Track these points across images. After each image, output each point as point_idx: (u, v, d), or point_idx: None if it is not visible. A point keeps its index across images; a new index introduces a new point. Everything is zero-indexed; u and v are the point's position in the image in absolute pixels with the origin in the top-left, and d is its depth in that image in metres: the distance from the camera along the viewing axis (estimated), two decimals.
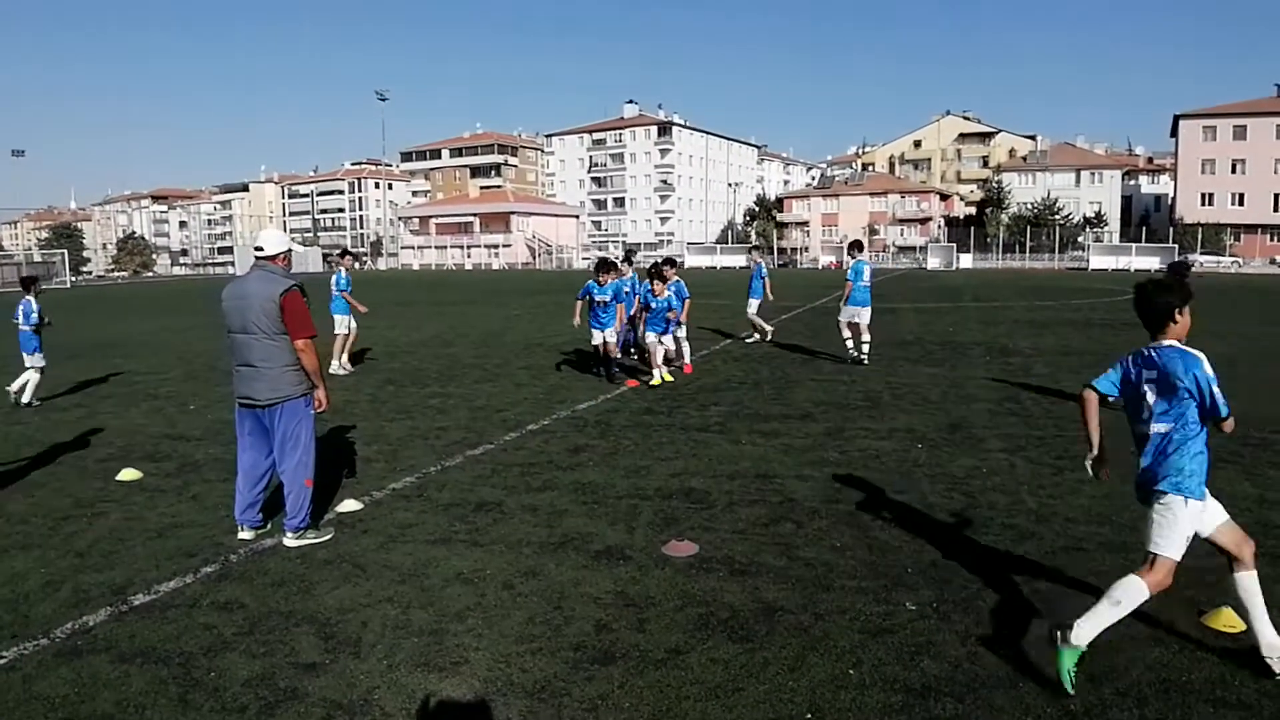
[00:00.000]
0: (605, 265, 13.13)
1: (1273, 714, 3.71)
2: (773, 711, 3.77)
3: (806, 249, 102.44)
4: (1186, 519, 3.98)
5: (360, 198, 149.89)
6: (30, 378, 11.57)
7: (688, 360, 13.91)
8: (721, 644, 4.38)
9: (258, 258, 5.93)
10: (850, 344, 14.32)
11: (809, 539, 5.91)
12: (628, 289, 13.82)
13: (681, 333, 13.71)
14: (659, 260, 13.69)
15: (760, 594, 4.99)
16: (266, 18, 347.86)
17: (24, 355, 11.68)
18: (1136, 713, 3.71)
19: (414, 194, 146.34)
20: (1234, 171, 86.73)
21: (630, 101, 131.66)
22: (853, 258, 14.86)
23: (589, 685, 4.00)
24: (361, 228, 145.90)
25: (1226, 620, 4.46)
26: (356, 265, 15.81)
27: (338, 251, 18.51)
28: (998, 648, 4.30)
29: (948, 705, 3.79)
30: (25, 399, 11.49)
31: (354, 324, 14.60)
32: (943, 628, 4.53)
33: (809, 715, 3.74)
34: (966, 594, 4.96)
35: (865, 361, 13.91)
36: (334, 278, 14.79)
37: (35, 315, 11.78)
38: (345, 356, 14.26)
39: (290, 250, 6.09)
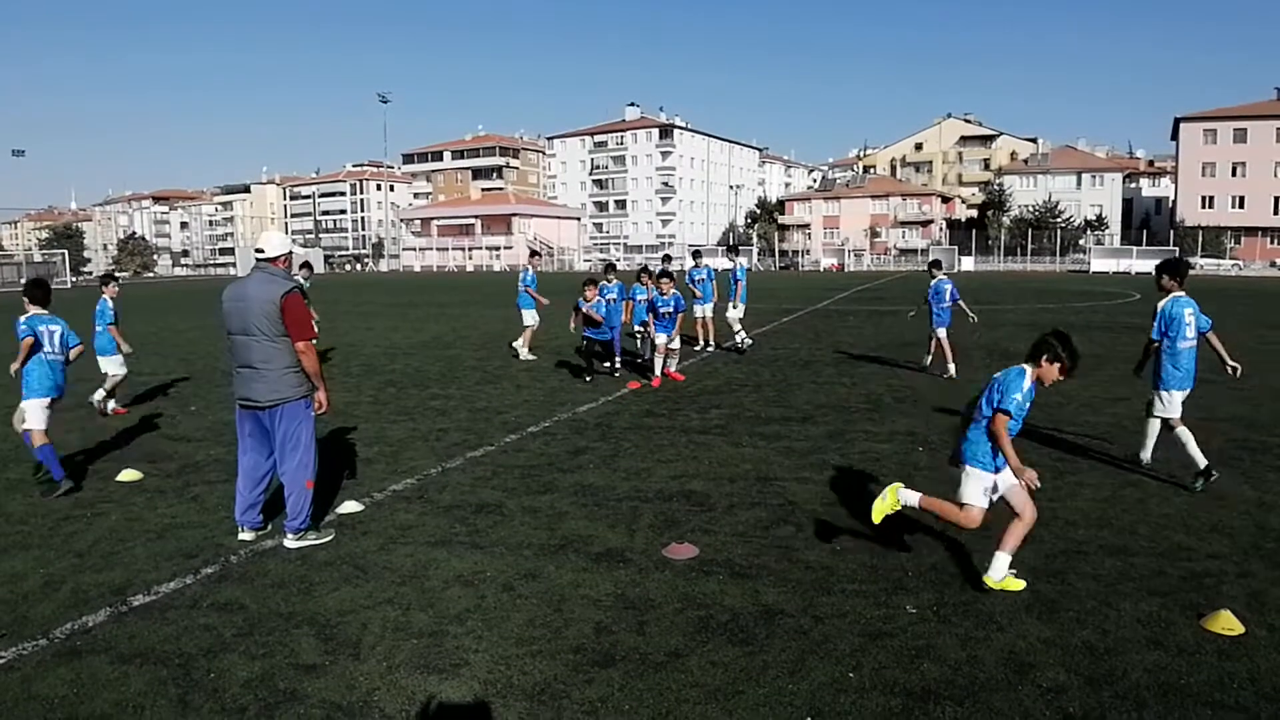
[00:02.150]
0: (589, 282, 13.52)
1: (1271, 717, 3.70)
2: (772, 715, 3.77)
3: (808, 251, 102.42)
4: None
5: (362, 199, 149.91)
6: (111, 382, 10.99)
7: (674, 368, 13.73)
8: (721, 647, 4.38)
9: (258, 259, 5.93)
10: (930, 359, 14.11)
11: (809, 542, 5.91)
12: (613, 296, 13.93)
13: (675, 343, 13.59)
14: (651, 267, 14.34)
15: (760, 597, 4.99)
16: (269, 19, 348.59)
17: (100, 360, 11.01)
18: (1135, 716, 3.71)
19: (415, 196, 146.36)
20: (1234, 174, 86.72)
21: (632, 104, 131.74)
22: (933, 276, 14.14)
23: (589, 687, 4.00)
24: (363, 229, 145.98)
25: (1225, 623, 4.45)
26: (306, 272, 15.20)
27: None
28: (997, 651, 4.30)
29: (948, 709, 3.79)
30: (110, 405, 10.89)
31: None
32: (943, 631, 4.53)
33: (809, 718, 3.74)
34: (966, 597, 4.95)
35: (955, 377, 13.01)
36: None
37: (112, 314, 11.17)
38: None
39: (291, 252, 6.09)
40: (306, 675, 4.12)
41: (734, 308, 16.94)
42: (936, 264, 14.40)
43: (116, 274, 13.43)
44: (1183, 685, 3.95)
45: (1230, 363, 7.57)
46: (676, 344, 13.25)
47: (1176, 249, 69.66)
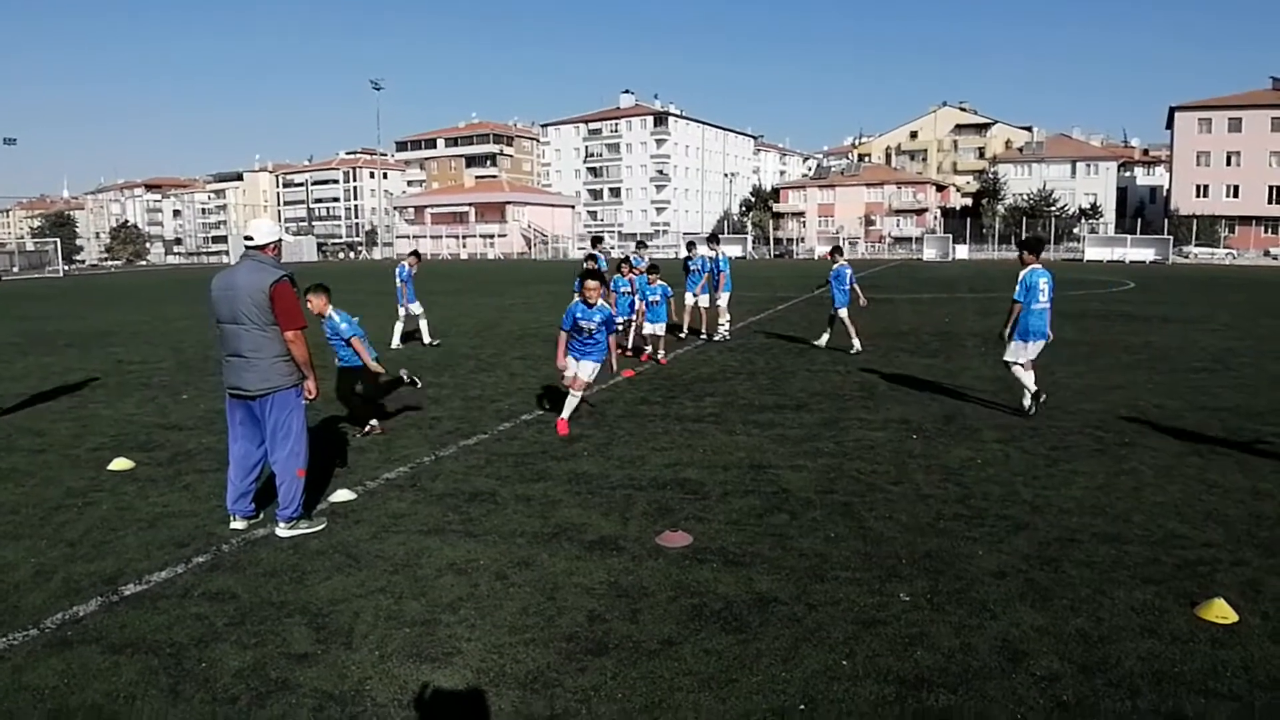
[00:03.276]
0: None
1: (1264, 705, 3.71)
2: (766, 702, 3.77)
3: (803, 239, 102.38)
4: None
5: (355, 187, 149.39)
6: (420, 324, 15.80)
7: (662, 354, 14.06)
8: (715, 635, 4.37)
9: (248, 247, 5.88)
10: (829, 336, 14.81)
11: (803, 529, 5.91)
12: (627, 289, 14.53)
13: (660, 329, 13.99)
14: (633, 258, 14.86)
15: (754, 585, 4.99)
16: (261, 5, 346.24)
17: (406, 305, 15.57)
18: (1129, 704, 3.71)
19: (409, 183, 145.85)
20: (1229, 164, 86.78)
21: (626, 91, 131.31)
22: (834, 261, 14.88)
23: (582, 676, 3.99)
24: (356, 217, 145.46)
25: (1219, 612, 4.46)
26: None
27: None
28: (991, 639, 4.29)
29: (941, 696, 3.79)
30: (428, 340, 15.68)
31: None
32: (936, 619, 4.52)
33: (802, 706, 3.74)
34: (960, 585, 4.95)
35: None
36: None
37: (407, 272, 15.59)
38: None
39: (281, 240, 6.04)
40: (298, 664, 4.10)
41: (719, 298, 16.92)
42: (838, 250, 15.73)
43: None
44: (1176, 673, 3.95)
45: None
46: (661, 330, 13.77)
47: (1171, 238, 69.78)
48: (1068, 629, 4.39)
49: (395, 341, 15.58)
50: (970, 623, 4.48)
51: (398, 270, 15.79)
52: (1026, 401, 9.40)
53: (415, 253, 17.20)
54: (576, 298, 8.88)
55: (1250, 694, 3.79)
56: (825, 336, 15.37)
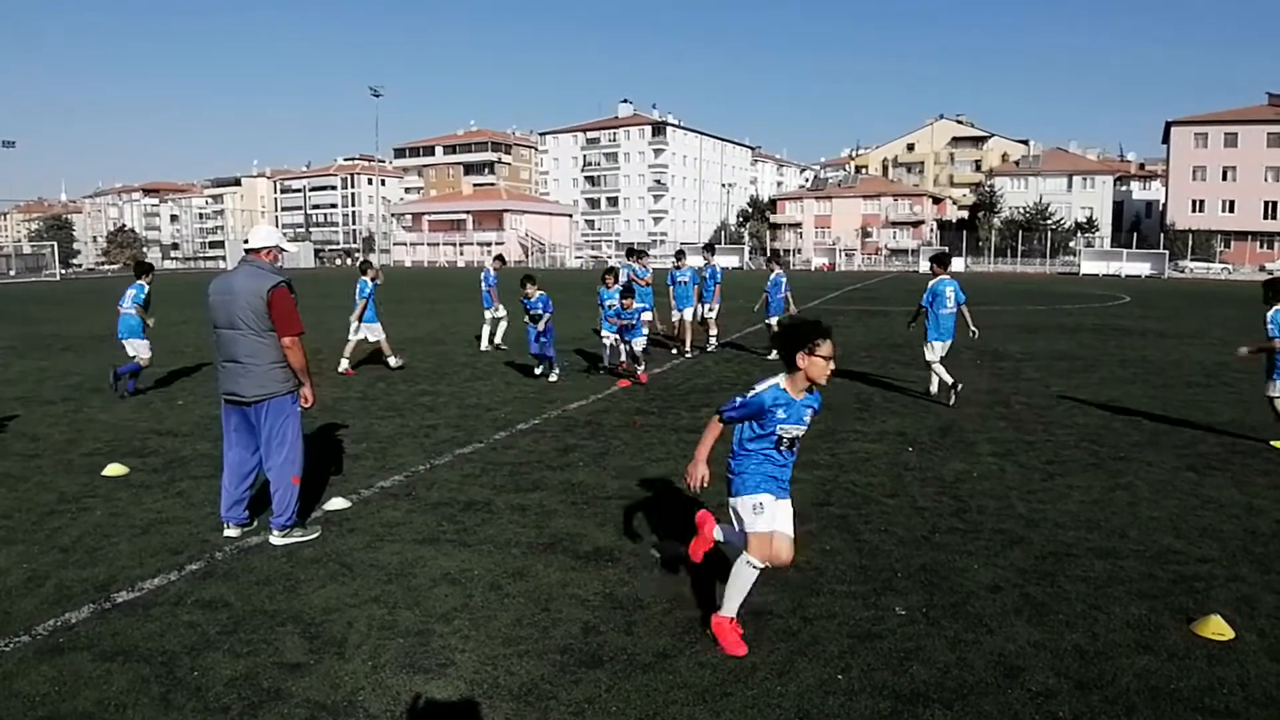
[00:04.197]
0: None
1: None
2: (760, 717, 3.75)
3: (799, 250, 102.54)
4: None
5: (353, 194, 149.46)
6: (499, 327, 16.43)
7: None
8: (710, 647, 4.35)
9: (246, 251, 5.87)
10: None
11: (798, 542, 5.88)
12: (648, 279, 15.03)
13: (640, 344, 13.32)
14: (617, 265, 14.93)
15: (748, 597, 4.96)
16: (261, 11, 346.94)
17: (497, 305, 16.19)
18: None
19: (407, 190, 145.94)
20: (1225, 179, 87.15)
21: (625, 101, 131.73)
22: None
23: (576, 688, 3.97)
24: (354, 223, 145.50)
25: (1215, 628, 4.45)
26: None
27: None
28: (987, 654, 4.28)
29: (937, 712, 3.77)
30: (497, 340, 16.40)
31: None
32: (932, 633, 4.51)
33: None
34: (956, 599, 4.94)
35: None
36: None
37: (494, 278, 16.19)
38: None
39: (279, 246, 6.03)
40: (291, 674, 4.08)
41: (710, 309, 16.38)
42: (775, 258, 16.67)
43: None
44: (1172, 690, 3.94)
45: (973, 328, 11.42)
46: (641, 345, 13.21)
47: (1166, 253, 70.12)
48: (1063, 644, 4.37)
49: (484, 343, 16.63)
50: (966, 637, 4.46)
51: (483, 275, 16.37)
52: (952, 399, 10.71)
53: (499, 257, 17.33)
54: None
55: (1247, 711, 3.78)
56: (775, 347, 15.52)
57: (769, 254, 16.60)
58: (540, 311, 12.53)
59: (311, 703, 3.83)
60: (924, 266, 78.38)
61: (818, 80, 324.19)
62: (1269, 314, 8.53)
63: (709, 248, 17.64)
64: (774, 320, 15.22)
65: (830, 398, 11.35)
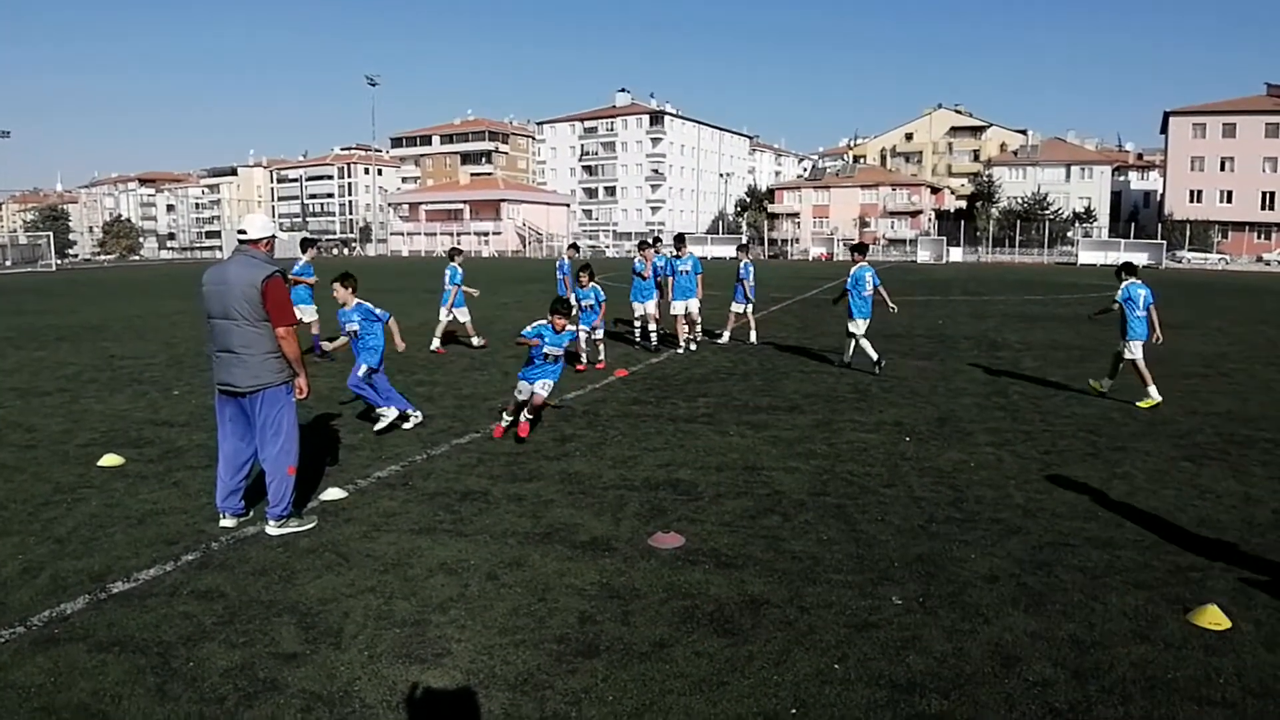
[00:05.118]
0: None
1: (1257, 712, 3.70)
2: (757, 706, 3.75)
3: (797, 240, 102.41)
4: None
5: (350, 183, 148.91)
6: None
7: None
8: (706, 637, 4.35)
9: (240, 241, 5.85)
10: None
11: (796, 532, 5.89)
12: (661, 264, 15.10)
13: (599, 334, 13.51)
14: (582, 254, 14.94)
15: (746, 587, 4.97)
16: (257, 0, 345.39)
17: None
18: (1121, 710, 3.70)
19: (404, 180, 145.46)
20: (1223, 169, 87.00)
21: (622, 90, 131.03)
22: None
23: (572, 678, 3.97)
24: (351, 213, 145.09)
25: (1212, 618, 4.45)
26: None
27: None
28: (983, 644, 4.28)
29: (933, 701, 3.77)
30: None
31: None
32: (929, 623, 4.51)
33: (794, 710, 3.72)
34: (953, 589, 4.94)
35: None
36: None
37: (568, 266, 15.49)
38: None
39: (274, 236, 6.00)
40: (287, 664, 4.07)
41: (688, 305, 15.34)
42: (743, 248, 16.96)
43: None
44: (1169, 680, 3.94)
45: (890, 304, 13.48)
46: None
47: (1164, 243, 70.04)
48: (1060, 634, 4.38)
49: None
50: (963, 627, 4.46)
51: (559, 265, 16.59)
52: (881, 366, 12.50)
53: (574, 245, 17.47)
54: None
55: (1243, 701, 3.78)
56: (726, 335, 16.52)
57: (738, 245, 16.37)
58: (592, 301, 12.92)
59: (307, 693, 3.83)
60: (922, 256, 78.67)
61: (816, 69, 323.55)
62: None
63: (679, 239, 15.78)
64: (736, 306, 16.15)
65: (827, 387, 11.41)
